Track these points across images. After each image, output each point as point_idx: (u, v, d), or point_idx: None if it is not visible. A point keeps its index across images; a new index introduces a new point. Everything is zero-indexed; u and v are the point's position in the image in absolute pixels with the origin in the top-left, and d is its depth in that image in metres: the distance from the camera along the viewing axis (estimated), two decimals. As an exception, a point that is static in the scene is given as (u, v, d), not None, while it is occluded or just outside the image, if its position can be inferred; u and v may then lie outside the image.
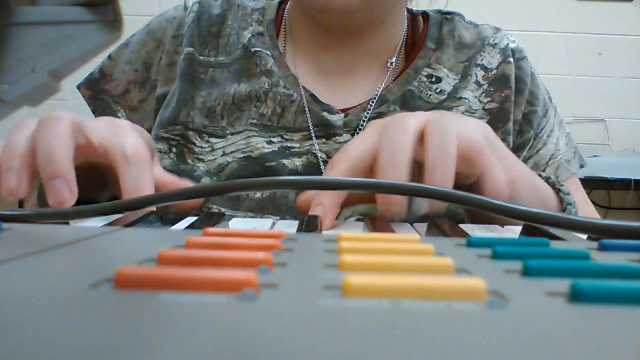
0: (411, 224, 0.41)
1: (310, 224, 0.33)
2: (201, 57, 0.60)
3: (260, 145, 0.57)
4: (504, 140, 0.58)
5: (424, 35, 0.63)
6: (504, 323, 0.12)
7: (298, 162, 0.57)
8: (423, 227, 0.40)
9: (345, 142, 0.57)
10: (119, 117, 0.62)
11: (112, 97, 0.63)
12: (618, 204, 2.31)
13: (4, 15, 0.21)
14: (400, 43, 0.62)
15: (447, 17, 0.65)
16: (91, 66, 0.25)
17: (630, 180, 1.89)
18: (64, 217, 0.31)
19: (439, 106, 0.59)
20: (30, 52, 0.22)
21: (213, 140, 0.58)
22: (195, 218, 0.40)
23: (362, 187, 0.32)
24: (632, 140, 2.38)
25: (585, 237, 0.31)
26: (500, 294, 0.15)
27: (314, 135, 0.58)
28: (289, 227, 0.37)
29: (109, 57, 0.65)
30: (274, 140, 0.57)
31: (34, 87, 0.22)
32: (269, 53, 0.60)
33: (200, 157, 0.58)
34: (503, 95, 0.60)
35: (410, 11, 0.66)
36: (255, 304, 0.13)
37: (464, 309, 0.13)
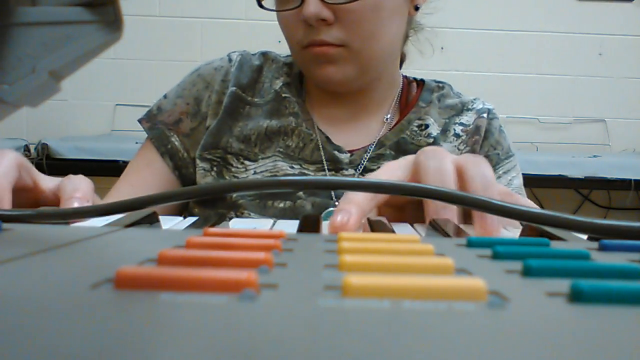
0: (411, 224, 0.41)
1: (310, 224, 0.33)
2: (242, 94, 0.74)
3: (285, 168, 0.70)
4: None
5: (417, 97, 0.77)
6: (504, 323, 0.12)
7: None
8: (423, 227, 0.40)
9: (350, 175, 0.71)
10: (172, 141, 0.74)
11: (165, 125, 0.75)
12: (618, 204, 2.30)
13: (4, 15, 0.21)
14: (395, 100, 0.76)
15: (439, 85, 0.79)
16: (91, 66, 0.25)
17: (630, 180, 1.89)
18: (64, 217, 0.31)
19: None
20: (30, 52, 0.22)
21: (247, 162, 0.71)
22: (195, 218, 0.40)
23: (362, 187, 0.32)
24: (632, 140, 2.38)
25: (585, 237, 0.31)
26: (500, 294, 0.15)
27: (326, 168, 0.71)
28: (289, 227, 0.37)
29: (165, 96, 0.77)
30: (295, 166, 0.71)
31: (34, 87, 0.22)
32: (295, 99, 0.74)
33: (236, 175, 0.71)
34: (473, 140, 0.74)
35: (406, 77, 0.80)
36: (255, 304, 0.13)
37: (464, 309, 0.13)
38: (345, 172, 0.71)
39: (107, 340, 0.10)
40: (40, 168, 1.88)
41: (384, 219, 0.37)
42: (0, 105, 0.22)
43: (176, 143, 0.74)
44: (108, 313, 0.12)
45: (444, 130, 0.74)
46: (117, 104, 2.35)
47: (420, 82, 0.80)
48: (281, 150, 0.71)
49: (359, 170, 0.71)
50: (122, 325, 0.11)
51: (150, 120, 0.76)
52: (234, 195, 0.67)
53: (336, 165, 0.71)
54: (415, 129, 0.73)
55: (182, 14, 2.37)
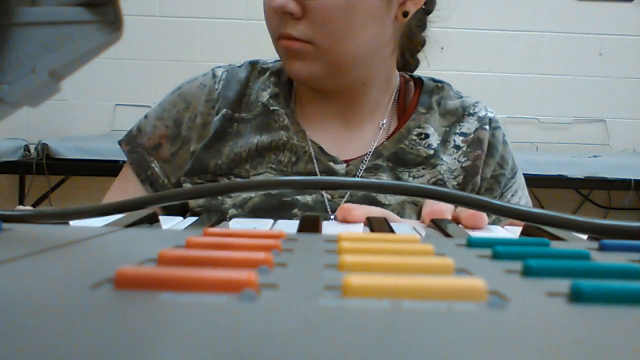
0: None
1: (310, 224, 0.33)
2: (233, 113, 0.71)
3: None
4: (472, 190, 0.71)
5: (416, 101, 0.73)
6: (504, 323, 0.12)
7: (309, 198, 0.67)
8: (423, 227, 0.40)
9: None
10: (152, 167, 0.71)
11: (145, 149, 0.72)
12: (618, 204, 2.31)
13: (4, 15, 0.21)
14: (390, 104, 0.73)
15: (438, 85, 0.75)
16: (91, 66, 0.25)
17: (630, 180, 1.89)
18: (64, 217, 0.31)
19: (426, 160, 0.69)
20: (30, 52, 0.22)
21: (238, 180, 0.68)
22: (195, 218, 0.40)
23: (362, 187, 0.32)
24: (632, 140, 2.38)
25: (585, 237, 0.31)
26: (500, 294, 0.15)
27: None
28: (289, 227, 0.37)
29: (145, 116, 0.74)
30: None
31: (34, 87, 0.22)
32: (283, 111, 0.71)
33: (229, 195, 0.66)
34: (475, 154, 0.71)
35: (402, 75, 0.75)
36: (255, 304, 0.13)
37: (464, 309, 0.13)
38: None
39: (107, 340, 0.10)
40: (40, 168, 1.89)
41: (384, 218, 0.37)
42: (0, 105, 0.22)
43: (156, 169, 0.71)
44: (108, 313, 0.12)
45: (444, 141, 0.71)
46: (117, 104, 2.35)
47: (418, 81, 0.75)
48: (273, 166, 0.68)
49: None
50: (122, 325, 0.11)
51: (130, 143, 0.73)
52: (227, 216, 0.66)
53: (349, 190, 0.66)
54: (415, 137, 0.70)
55: (182, 14, 2.37)
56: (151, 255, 0.19)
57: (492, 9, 2.33)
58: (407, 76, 0.76)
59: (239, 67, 0.74)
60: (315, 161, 0.68)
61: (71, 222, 0.32)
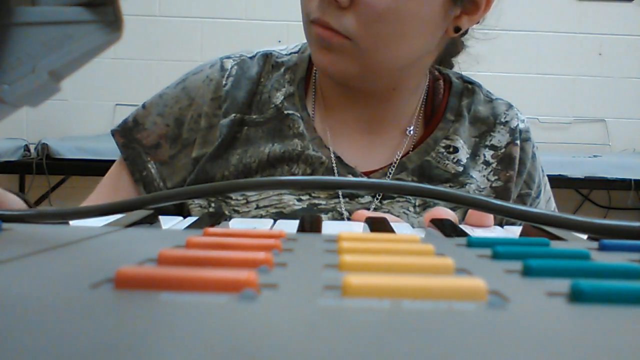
0: (411, 225, 0.41)
1: (310, 224, 0.33)
2: (242, 117, 0.64)
3: (292, 202, 0.61)
4: None
5: (444, 105, 0.67)
6: (504, 323, 0.12)
7: (324, 218, 0.61)
8: (423, 227, 0.40)
9: (367, 202, 0.63)
10: (148, 168, 0.65)
11: (142, 147, 0.66)
12: (618, 204, 2.31)
13: (4, 15, 0.21)
14: (418, 109, 0.66)
15: (468, 86, 0.69)
16: (91, 66, 0.25)
17: (630, 180, 1.90)
18: (64, 217, 0.31)
19: (454, 178, 0.64)
20: (30, 52, 0.22)
21: (247, 192, 0.62)
22: (195, 218, 0.40)
23: (362, 186, 0.33)
24: (632, 140, 2.38)
25: (585, 237, 0.31)
26: (500, 294, 0.15)
27: (340, 195, 0.62)
28: (289, 227, 0.37)
29: (143, 106, 0.67)
30: (303, 197, 0.62)
31: (34, 87, 0.22)
32: (298, 114, 0.64)
33: (236, 208, 0.62)
34: (507, 175, 0.65)
35: (431, 72, 0.68)
36: (255, 304, 0.13)
37: (464, 309, 0.13)
38: (361, 200, 0.62)
39: (107, 340, 0.10)
40: (40, 168, 1.89)
41: (384, 218, 0.37)
42: (0, 105, 0.22)
43: (152, 170, 0.65)
44: (108, 313, 0.12)
45: (474, 155, 0.65)
46: (117, 104, 2.36)
47: (447, 79, 0.69)
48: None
49: (378, 198, 0.62)
50: (122, 325, 0.11)
51: (126, 135, 0.66)
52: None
53: (351, 192, 0.62)
54: (442, 150, 0.64)
55: (182, 14, 2.37)
56: (151, 255, 0.19)
57: (492, 9, 2.33)
58: (436, 73, 0.70)
59: (250, 58, 0.67)
60: (336, 173, 0.62)
61: (71, 222, 0.32)
